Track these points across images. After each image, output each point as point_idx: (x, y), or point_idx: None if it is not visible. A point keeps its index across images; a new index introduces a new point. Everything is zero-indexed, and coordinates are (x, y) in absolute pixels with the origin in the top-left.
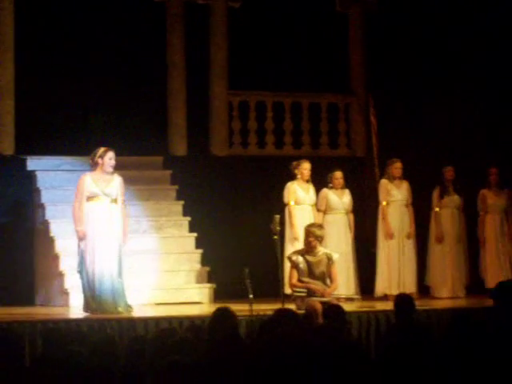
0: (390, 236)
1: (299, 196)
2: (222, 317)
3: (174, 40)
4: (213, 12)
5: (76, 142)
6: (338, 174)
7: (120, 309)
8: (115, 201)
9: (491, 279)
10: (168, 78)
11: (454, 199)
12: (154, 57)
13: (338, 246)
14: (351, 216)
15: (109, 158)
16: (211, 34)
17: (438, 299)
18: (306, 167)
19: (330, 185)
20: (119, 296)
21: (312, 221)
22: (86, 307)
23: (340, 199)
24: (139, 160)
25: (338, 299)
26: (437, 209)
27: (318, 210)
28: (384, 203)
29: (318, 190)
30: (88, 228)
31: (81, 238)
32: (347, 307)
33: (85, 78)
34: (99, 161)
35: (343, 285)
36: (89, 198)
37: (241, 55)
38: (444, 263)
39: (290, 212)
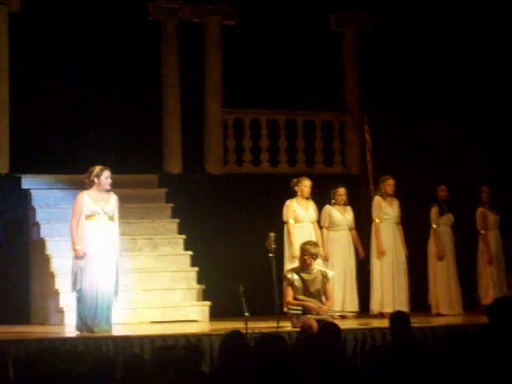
0: (382, 253)
1: (298, 214)
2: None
3: (169, 58)
4: (207, 30)
5: (71, 160)
6: (342, 191)
7: (108, 327)
8: (112, 219)
9: (489, 296)
10: (163, 96)
11: (449, 217)
12: (148, 75)
13: (343, 262)
14: (354, 232)
15: (105, 177)
16: (206, 52)
17: (437, 316)
18: (306, 184)
19: (333, 201)
20: (110, 315)
21: (312, 238)
22: (81, 326)
23: (343, 216)
24: (134, 178)
25: (333, 316)
26: (434, 226)
27: (321, 227)
28: (377, 220)
29: None
30: (87, 246)
31: (79, 257)
32: (343, 325)
33: (79, 96)
34: (95, 180)
35: (348, 301)
36: (87, 217)
37: (235, 73)
38: (447, 280)
39: (289, 230)
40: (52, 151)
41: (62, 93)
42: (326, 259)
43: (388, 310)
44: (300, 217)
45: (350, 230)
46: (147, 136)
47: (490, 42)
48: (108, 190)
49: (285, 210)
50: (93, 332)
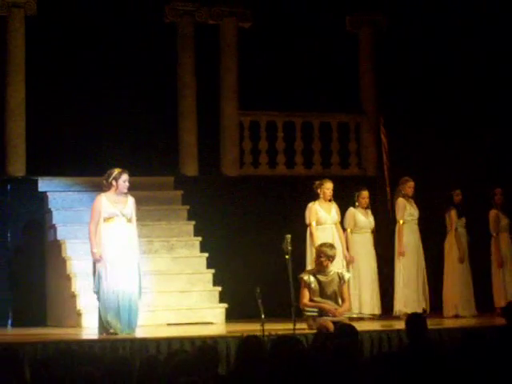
0: (402, 254)
1: (321, 216)
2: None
3: (185, 60)
4: (223, 32)
5: (87, 162)
6: (365, 194)
7: (131, 330)
8: (130, 220)
9: (502, 298)
10: (179, 98)
11: (463, 220)
12: (164, 77)
13: (368, 264)
14: (373, 235)
15: (123, 180)
16: (221, 54)
17: (453, 318)
18: (328, 187)
19: (357, 204)
20: (135, 317)
21: (335, 240)
22: (103, 329)
23: (366, 218)
24: (150, 180)
25: (351, 318)
26: (455, 228)
27: (345, 230)
28: (401, 222)
29: None
30: (107, 249)
31: (97, 260)
32: (360, 326)
33: (96, 98)
34: (113, 182)
35: (371, 303)
36: (106, 219)
37: (251, 75)
38: (465, 282)
39: (311, 233)
40: (68, 153)
41: (77, 95)
42: (351, 261)
43: (413, 310)
44: (322, 219)
45: (373, 232)
46: (163, 138)
47: (505, 41)
48: (125, 193)
49: (307, 213)
50: (115, 334)
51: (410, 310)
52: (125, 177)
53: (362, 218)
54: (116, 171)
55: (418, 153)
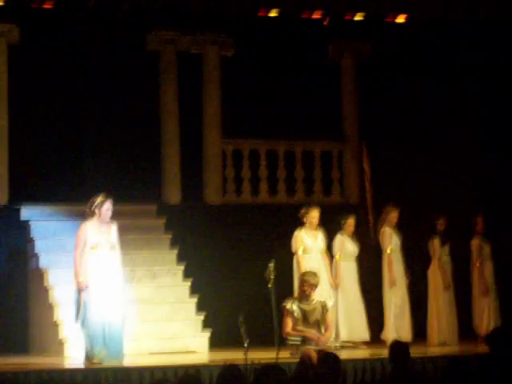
0: (394, 283)
1: (307, 244)
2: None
3: (168, 88)
4: (205, 61)
5: (69, 190)
6: (352, 221)
7: (120, 358)
8: (113, 248)
9: (484, 326)
10: (162, 126)
11: (446, 248)
12: (147, 105)
13: (355, 291)
14: (357, 262)
15: (106, 208)
16: (204, 82)
17: (437, 346)
18: (314, 215)
19: (342, 231)
20: (122, 345)
21: (321, 268)
22: (89, 358)
23: (353, 245)
24: (133, 208)
25: (332, 347)
26: (438, 257)
27: (333, 256)
28: (389, 251)
29: None
30: (92, 277)
31: (82, 290)
32: (343, 355)
33: (78, 126)
34: (96, 211)
35: (359, 329)
36: (91, 247)
37: (234, 103)
38: (449, 310)
39: (298, 261)
40: (51, 180)
41: (60, 123)
42: (336, 288)
43: (406, 338)
44: (308, 247)
45: (356, 259)
46: (146, 166)
47: (487, 68)
48: (107, 221)
49: (293, 241)
50: (99, 364)
51: (404, 338)
52: (107, 205)
53: (350, 246)
54: (98, 199)
55: (400, 180)
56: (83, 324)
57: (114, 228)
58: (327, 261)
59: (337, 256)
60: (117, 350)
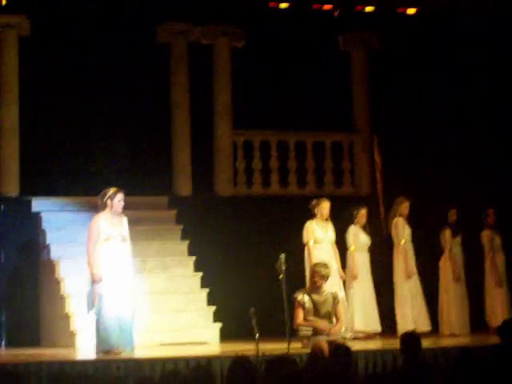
0: (411, 275)
1: (318, 235)
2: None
3: (178, 80)
4: (216, 52)
5: (80, 182)
6: (364, 211)
7: (132, 349)
8: (125, 240)
9: (497, 317)
10: (172, 117)
11: (458, 239)
12: (158, 97)
13: (368, 282)
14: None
15: (118, 199)
16: (215, 73)
17: (449, 337)
18: (325, 206)
19: (356, 221)
20: (133, 336)
21: (331, 260)
22: (102, 347)
23: (366, 237)
24: (144, 200)
25: (344, 338)
26: (449, 248)
27: (347, 248)
28: (403, 242)
29: None
30: (105, 269)
31: (96, 282)
32: (354, 346)
33: (89, 118)
34: (108, 202)
35: (373, 320)
36: (104, 239)
37: (245, 95)
38: (460, 301)
39: (309, 251)
40: (61, 173)
41: (71, 115)
42: (354, 279)
43: (424, 328)
44: (319, 238)
45: (368, 250)
46: (157, 158)
47: (499, 59)
48: (119, 213)
49: (304, 232)
50: (117, 354)
51: (422, 328)
52: (120, 196)
53: (363, 237)
54: (111, 191)
55: (411, 171)
56: (99, 316)
57: (125, 220)
58: (337, 253)
59: (351, 248)
60: (128, 342)
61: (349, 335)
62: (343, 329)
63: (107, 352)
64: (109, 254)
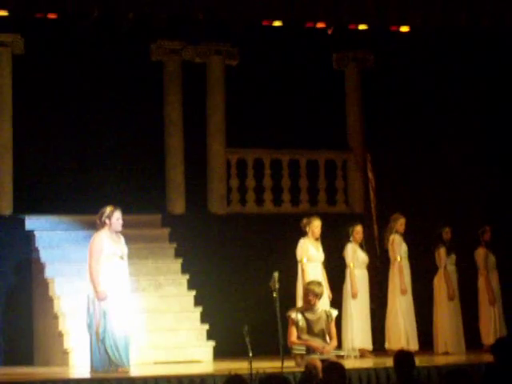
0: (404, 292)
1: (311, 253)
2: None
3: (172, 98)
4: (210, 70)
5: (74, 200)
6: (359, 228)
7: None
8: (122, 258)
9: (491, 335)
10: (166, 135)
11: (453, 257)
12: (151, 115)
13: (365, 300)
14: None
15: (116, 218)
16: (208, 92)
17: (443, 355)
18: (316, 225)
19: (351, 239)
20: (129, 354)
21: (322, 278)
22: (103, 366)
23: (364, 254)
24: (138, 218)
25: (338, 356)
26: (444, 266)
27: (347, 265)
28: (399, 259)
29: None
30: (108, 287)
31: (102, 299)
32: (348, 364)
33: (82, 137)
34: (107, 221)
35: (366, 338)
36: (106, 257)
37: (238, 113)
38: (454, 319)
39: (302, 269)
40: (55, 191)
41: (64, 133)
42: (354, 297)
43: (412, 347)
44: (312, 256)
45: (367, 268)
46: (150, 175)
47: (491, 77)
48: (118, 231)
49: (299, 249)
50: (125, 372)
51: (412, 346)
52: (117, 214)
53: (361, 254)
54: (108, 209)
55: (405, 189)
56: (103, 334)
57: (123, 239)
58: (324, 272)
59: (351, 264)
60: (128, 360)
61: (344, 353)
62: (347, 348)
63: (115, 370)
64: (111, 271)
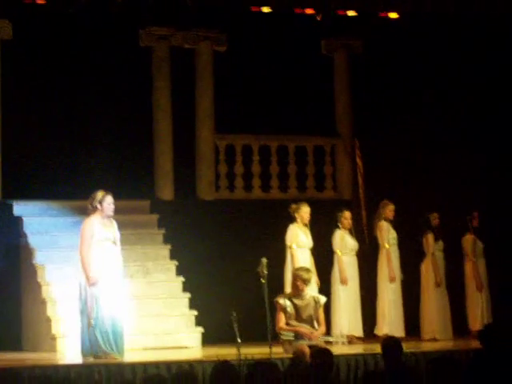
0: (394, 279)
1: (301, 239)
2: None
3: (160, 84)
4: (198, 56)
5: (63, 186)
6: (348, 214)
7: (121, 354)
8: (115, 243)
9: (478, 322)
10: (154, 121)
11: (440, 243)
12: (140, 101)
13: (354, 286)
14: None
15: (108, 202)
16: (197, 77)
17: (430, 341)
18: (305, 211)
19: (339, 224)
20: (123, 341)
21: (310, 264)
22: (94, 352)
23: (353, 240)
24: (126, 204)
25: (326, 342)
26: (432, 252)
27: (334, 252)
28: (387, 246)
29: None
30: (99, 272)
31: (93, 284)
32: (336, 350)
33: (71, 123)
34: (98, 206)
35: (356, 324)
36: (97, 242)
37: (227, 99)
38: (442, 306)
39: (292, 255)
40: (43, 177)
41: (53, 119)
42: (343, 283)
43: (399, 334)
44: (302, 242)
45: (356, 254)
46: (139, 162)
47: (482, 64)
48: (109, 216)
49: (288, 235)
50: (114, 358)
51: (398, 333)
52: (109, 199)
53: (350, 240)
54: (100, 194)
55: (393, 175)
56: (95, 320)
57: (115, 224)
58: (312, 259)
59: (338, 251)
60: (120, 346)
61: (332, 339)
62: (335, 334)
63: (104, 357)
64: (102, 257)
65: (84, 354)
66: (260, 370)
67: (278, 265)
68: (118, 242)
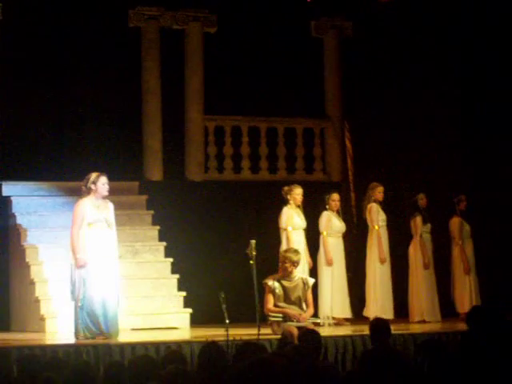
0: (384, 260)
1: (296, 221)
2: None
3: (150, 65)
4: (188, 37)
5: (51, 167)
6: (336, 196)
7: (115, 335)
8: (110, 226)
9: (465, 304)
10: (143, 102)
11: (428, 226)
12: (129, 81)
13: (340, 268)
14: (344, 239)
15: (102, 183)
16: (186, 59)
17: (419, 323)
18: (298, 192)
19: (327, 207)
20: (117, 323)
21: (304, 245)
22: (84, 333)
23: (340, 222)
24: (115, 185)
25: (314, 323)
26: (419, 234)
27: (320, 233)
28: (377, 227)
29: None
30: (89, 254)
31: (81, 266)
32: (323, 332)
33: (59, 103)
34: (92, 187)
35: (343, 306)
36: (89, 224)
37: (216, 80)
38: (430, 288)
39: (288, 237)
40: (32, 158)
41: (41, 100)
42: (328, 264)
43: (388, 316)
44: (297, 224)
45: (343, 236)
46: (128, 143)
47: (472, 45)
48: (105, 197)
49: (284, 217)
50: (103, 339)
51: (387, 315)
52: (103, 180)
53: (337, 222)
54: (93, 175)
55: (382, 157)
56: (82, 301)
57: (111, 206)
58: (305, 239)
59: (324, 232)
60: (113, 327)
61: (319, 320)
62: (322, 315)
63: (93, 337)
64: (93, 239)
65: (75, 334)
66: (248, 351)
67: (267, 246)
68: (113, 225)
